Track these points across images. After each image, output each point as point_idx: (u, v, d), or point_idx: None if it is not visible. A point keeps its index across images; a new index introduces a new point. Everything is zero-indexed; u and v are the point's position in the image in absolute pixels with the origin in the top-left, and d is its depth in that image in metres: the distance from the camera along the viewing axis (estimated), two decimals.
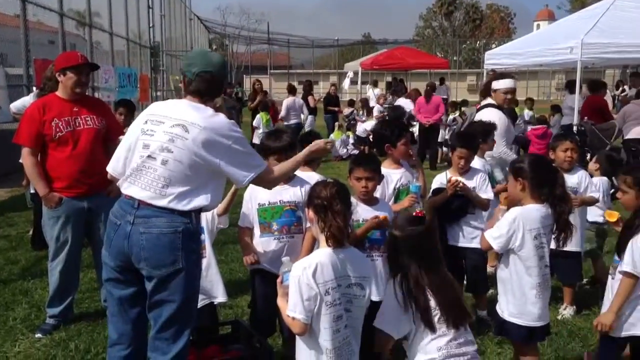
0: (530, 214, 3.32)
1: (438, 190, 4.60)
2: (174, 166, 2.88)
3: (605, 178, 5.31)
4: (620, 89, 18.79)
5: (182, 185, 2.89)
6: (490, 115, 5.86)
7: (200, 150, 2.87)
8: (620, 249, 3.25)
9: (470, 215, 4.56)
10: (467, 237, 4.57)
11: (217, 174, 2.98)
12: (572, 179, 4.86)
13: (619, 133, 10.00)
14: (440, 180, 4.68)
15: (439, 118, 13.12)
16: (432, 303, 2.69)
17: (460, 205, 4.48)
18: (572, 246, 4.83)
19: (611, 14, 10.87)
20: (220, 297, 4.01)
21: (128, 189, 2.96)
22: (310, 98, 15.66)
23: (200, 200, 2.93)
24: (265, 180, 3.10)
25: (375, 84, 21.45)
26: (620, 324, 3.23)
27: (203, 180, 2.94)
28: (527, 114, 13.66)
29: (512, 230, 3.28)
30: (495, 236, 3.32)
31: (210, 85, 3.05)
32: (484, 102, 6.33)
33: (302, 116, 14.11)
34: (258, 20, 50.42)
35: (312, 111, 15.55)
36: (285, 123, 13.70)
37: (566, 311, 4.99)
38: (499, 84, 6.06)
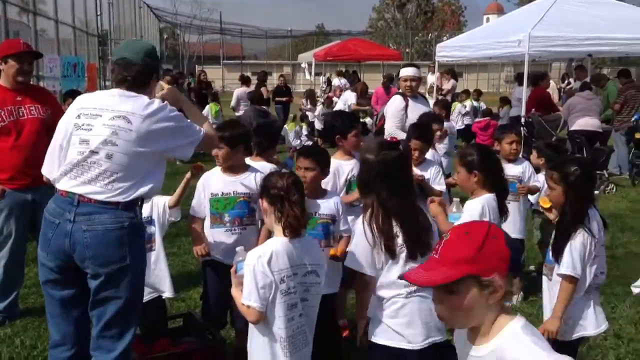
0: (491, 203, 3.38)
1: None
2: (120, 159, 2.82)
3: None
4: (566, 81, 19.31)
5: (129, 178, 2.85)
6: (390, 101, 6.13)
7: (145, 140, 2.83)
8: (556, 251, 3.14)
9: (423, 206, 4.61)
10: None
11: (160, 159, 2.97)
12: (517, 169, 5.03)
13: (565, 124, 10.31)
14: None
15: None
16: (399, 232, 2.73)
17: None
18: (516, 233, 4.98)
19: (557, 8, 11.15)
20: (168, 292, 3.95)
21: (66, 184, 2.87)
22: (263, 89, 15.55)
23: (144, 189, 2.90)
24: (206, 144, 3.10)
25: (339, 74, 21.38)
26: (570, 327, 3.18)
27: (148, 169, 2.91)
28: (474, 105, 13.90)
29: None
30: None
31: (128, 72, 2.94)
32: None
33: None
34: (210, 10, 49.59)
35: (266, 102, 15.44)
36: (236, 114, 13.50)
37: (514, 298, 5.12)
38: (401, 72, 6.24)
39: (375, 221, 2.73)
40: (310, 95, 16.41)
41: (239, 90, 13.90)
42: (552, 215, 3.46)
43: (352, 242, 2.86)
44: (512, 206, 4.88)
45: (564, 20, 10.82)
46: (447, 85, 16.12)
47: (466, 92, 14.83)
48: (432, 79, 16.95)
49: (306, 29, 55.34)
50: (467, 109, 13.71)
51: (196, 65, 36.15)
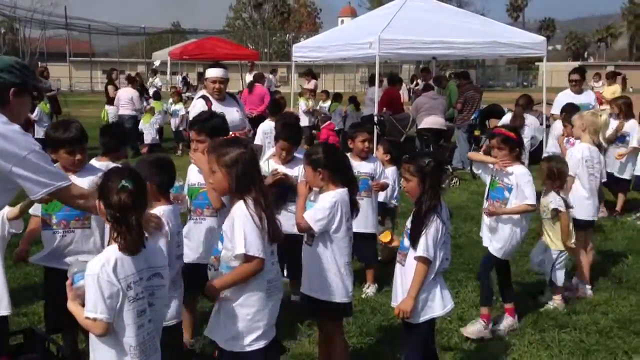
0: (344, 197, 3.51)
1: None
2: None
3: (395, 167, 5.75)
4: (415, 82, 20.49)
5: None
6: (195, 105, 5.74)
7: None
8: (413, 237, 3.37)
9: (291, 202, 4.59)
10: (288, 224, 4.58)
11: (5, 181, 2.70)
12: (369, 166, 5.19)
13: (413, 123, 10.93)
14: (263, 168, 4.72)
15: (265, 110, 12.05)
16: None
17: (279, 194, 4.49)
18: (369, 228, 5.18)
19: (403, 13, 11.75)
20: (3, 310, 3.61)
21: None
22: (110, 87, 14.84)
23: None
24: (65, 197, 2.86)
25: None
26: (419, 310, 3.38)
27: None
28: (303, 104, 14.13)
29: (332, 213, 3.44)
30: (317, 218, 3.44)
31: None
32: (199, 93, 6.16)
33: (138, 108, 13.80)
34: (53, 3, 46.29)
35: (113, 101, 14.74)
36: (119, 113, 13.59)
37: (369, 290, 5.32)
38: (207, 73, 5.87)
39: (262, 209, 2.83)
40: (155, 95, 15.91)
41: (121, 91, 13.87)
42: (396, 243, 3.63)
43: (240, 230, 2.82)
44: (365, 202, 5.08)
45: (411, 25, 11.43)
46: (309, 85, 16.41)
47: (325, 93, 15.16)
48: (249, 78, 16.76)
49: (161, 27, 53.74)
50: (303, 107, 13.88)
51: (39, 63, 33.66)
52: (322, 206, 3.45)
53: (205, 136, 3.89)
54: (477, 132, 11.33)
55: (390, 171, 5.65)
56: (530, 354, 4.25)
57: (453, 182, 10.22)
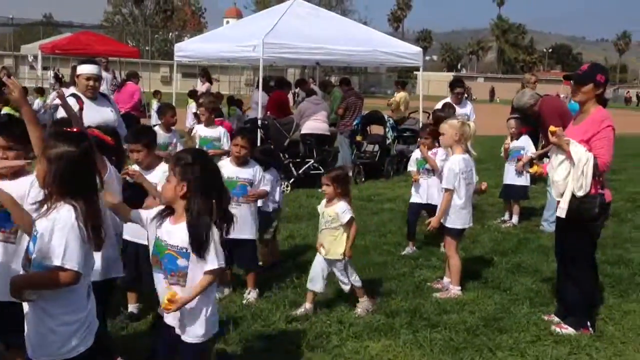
0: None
1: None
2: None
3: (275, 172, 5.77)
4: (298, 88, 20.69)
5: None
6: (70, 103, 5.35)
7: None
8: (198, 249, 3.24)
9: None
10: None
11: None
12: (248, 172, 5.15)
13: (297, 127, 11.01)
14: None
15: (134, 106, 12.28)
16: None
17: (132, 195, 4.15)
18: (247, 234, 5.14)
19: (288, 18, 11.89)
20: None
21: None
22: None
23: None
24: None
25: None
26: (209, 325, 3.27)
27: None
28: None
29: None
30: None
31: None
32: (69, 91, 5.79)
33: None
34: None
35: None
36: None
37: (250, 295, 5.27)
38: (80, 69, 5.55)
39: (91, 218, 2.63)
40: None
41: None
42: None
43: (62, 239, 2.58)
44: (244, 207, 5.06)
45: (295, 30, 11.57)
46: (202, 88, 16.03)
47: (219, 95, 14.80)
48: (107, 76, 15.89)
49: (32, 18, 50.41)
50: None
51: None
52: None
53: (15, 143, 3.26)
54: (359, 138, 11.64)
55: (270, 175, 5.62)
56: (405, 353, 4.41)
57: None
